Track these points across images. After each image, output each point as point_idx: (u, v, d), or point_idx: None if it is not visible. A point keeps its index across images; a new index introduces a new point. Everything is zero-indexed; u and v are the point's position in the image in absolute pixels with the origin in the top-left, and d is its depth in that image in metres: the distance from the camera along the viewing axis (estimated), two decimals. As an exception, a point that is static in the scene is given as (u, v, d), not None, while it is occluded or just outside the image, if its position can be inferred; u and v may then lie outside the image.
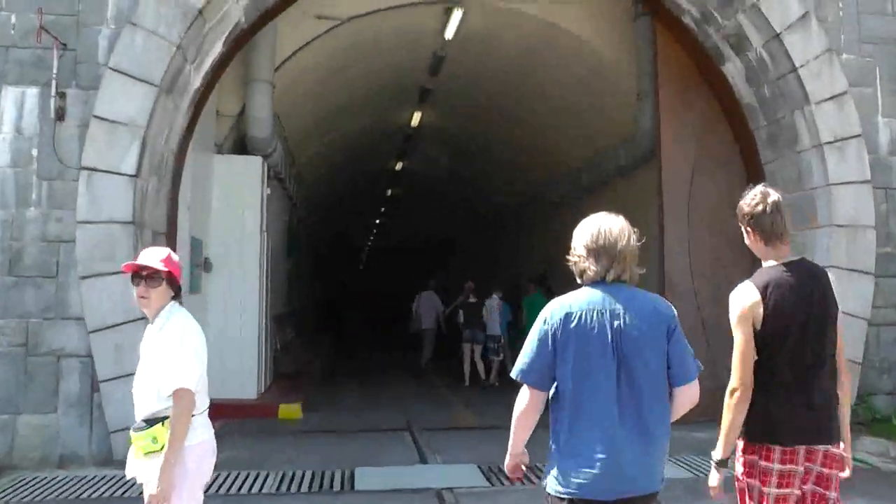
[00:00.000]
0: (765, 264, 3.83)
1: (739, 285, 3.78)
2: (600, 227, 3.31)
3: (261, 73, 11.77)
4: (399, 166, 28.20)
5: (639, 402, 3.14)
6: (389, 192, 34.61)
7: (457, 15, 13.01)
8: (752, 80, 10.42)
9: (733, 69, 10.63)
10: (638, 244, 3.34)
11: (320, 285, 35.57)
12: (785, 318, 3.65)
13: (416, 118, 20.72)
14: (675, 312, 3.32)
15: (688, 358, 3.26)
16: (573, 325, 3.19)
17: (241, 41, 10.07)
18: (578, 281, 3.35)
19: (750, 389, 3.62)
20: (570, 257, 3.35)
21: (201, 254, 10.94)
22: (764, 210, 3.72)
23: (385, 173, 29.68)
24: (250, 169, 12.06)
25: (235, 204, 11.86)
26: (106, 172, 8.22)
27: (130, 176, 8.25)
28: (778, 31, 9.65)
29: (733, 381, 3.63)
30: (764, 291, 3.66)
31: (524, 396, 3.26)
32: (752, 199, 3.78)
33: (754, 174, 10.78)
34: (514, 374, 3.29)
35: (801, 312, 3.67)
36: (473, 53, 15.40)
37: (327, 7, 12.38)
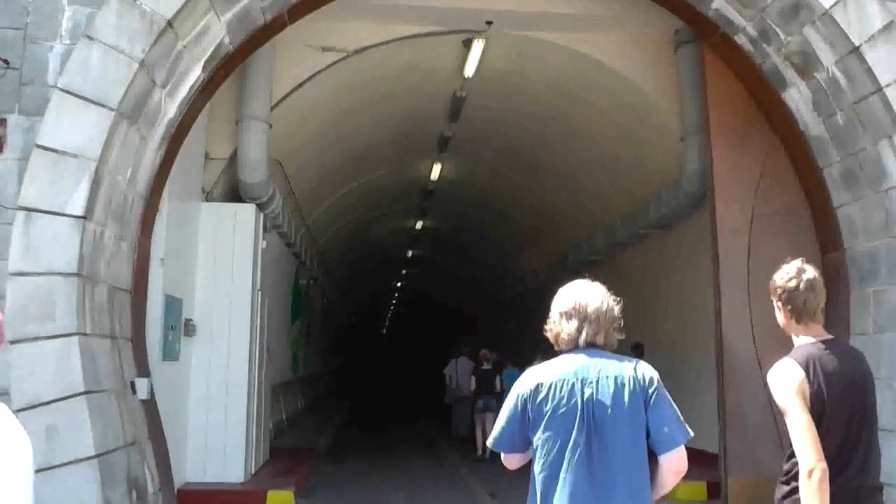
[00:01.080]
0: (798, 342, 3.75)
1: (779, 363, 3.66)
2: (573, 290, 3.34)
3: (254, 110, 10.40)
4: (419, 225, 26.82)
5: (613, 473, 3.09)
6: (410, 252, 33.22)
7: (477, 47, 11.61)
8: (822, 107, 8.85)
9: (797, 96, 9.08)
10: (617, 306, 3.32)
11: (337, 352, 33.96)
12: (830, 398, 3.58)
13: (436, 171, 19.36)
14: (656, 376, 3.25)
15: (672, 423, 3.17)
16: (543, 395, 3.17)
17: (228, 67, 8.68)
18: (556, 348, 3.32)
19: (826, 465, 3.43)
20: (546, 325, 3.35)
21: (179, 315, 9.42)
22: (797, 287, 3.72)
23: (405, 232, 28.29)
24: (242, 218, 10.60)
25: (224, 258, 10.38)
26: (47, 213, 6.74)
27: (77, 217, 6.76)
28: (857, 45, 8.11)
29: (809, 462, 3.44)
30: (807, 368, 3.58)
31: (505, 461, 3.42)
32: (785, 273, 3.77)
33: (825, 221, 9.24)
34: (488, 442, 3.44)
35: (845, 393, 3.61)
36: (497, 94, 14.03)
37: (331, 37, 11.05)
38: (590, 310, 3.24)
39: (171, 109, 7.91)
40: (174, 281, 9.18)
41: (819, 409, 3.54)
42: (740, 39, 9.24)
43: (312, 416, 20.81)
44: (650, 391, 3.17)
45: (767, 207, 9.63)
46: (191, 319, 9.93)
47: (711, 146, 9.91)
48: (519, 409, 3.21)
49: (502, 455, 3.36)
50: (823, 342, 3.72)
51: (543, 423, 3.15)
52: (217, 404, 10.03)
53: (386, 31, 11.24)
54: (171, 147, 8.23)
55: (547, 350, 11.34)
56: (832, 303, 9.54)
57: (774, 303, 3.83)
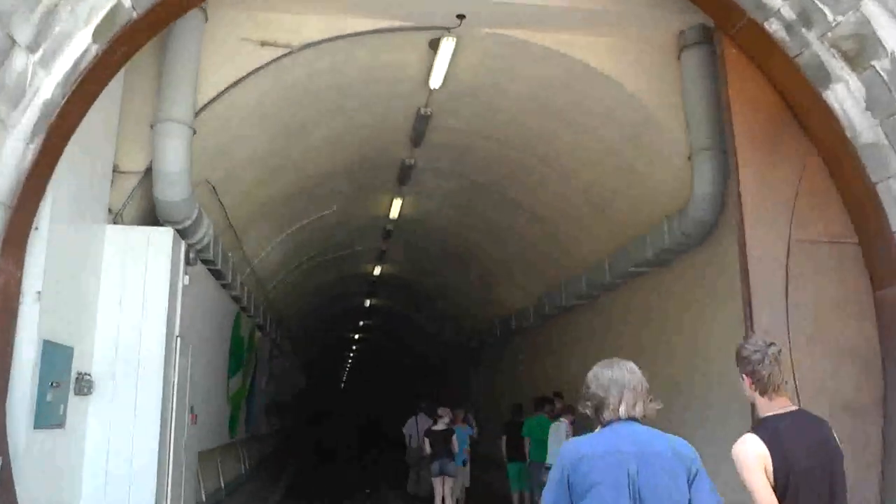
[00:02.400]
0: (762, 415, 3.90)
1: (742, 438, 3.80)
2: (607, 368, 3.55)
3: (174, 110, 8.41)
4: (378, 271, 24.84)
5: None
6: (368, 302, 31.17)
7: (446, 48, 9.77)
8: (879, 105, 7.08)
9: (843, 93, 7.32)
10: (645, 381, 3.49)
11: (289, 409, 31.55)
12: (795, 471, 3.66)
13: (396, 207, 17.46)
14: (697, 454, 3.33)
15: (712, 499, 3.22)
16: (587, 467, 3.21)
17: (132, 42, 6.74)
18: (595, 424, 3.44)
19: None
20: (583, 403, 3.54)
21: (68, 367, 7.31)
22: (762, 360, 3.85)
23: (363, 278, 26.25)
24: (157, 245, 8.55)
25: (133, 296, 8.32)
26: None
27: None
28: (937, 18, 6.41)
29: None
30: (770, 443, 3.69)
31: None
32: (752, 346, 3.93)
33: (879, 249, 7.50)
34: None
35: (811, 464, 3.70)
36: (466, 111, 12.21)
37: (273, 30, 9.17)
38: (626, 385, 3.41)
39: (46, 87, 5.95)
40: (60, 323, 7.09)
41: (783, 483, 3.65)
42: (772, 26, 7.53)
43: (257, 481, 18.50)
44: (693, 467, 3.25)
45: (806, 233, 7.85)
46: (86, 374, 7.82)
47: (737, 161, 8.11)
48: (563, 480, 3.27)
49: None
50: (788, 414, 3.84)
51: (588, 495, 3.18)
52: (118, 482, 7.88)
53: (338, 26, 9.39)
54: (51, 142, 6.25)
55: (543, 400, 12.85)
56: (886, 348, 7.82)
57: (739, 373, 3.96)
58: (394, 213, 17.89)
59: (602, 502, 3.15)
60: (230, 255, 13.06)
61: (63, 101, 6.15)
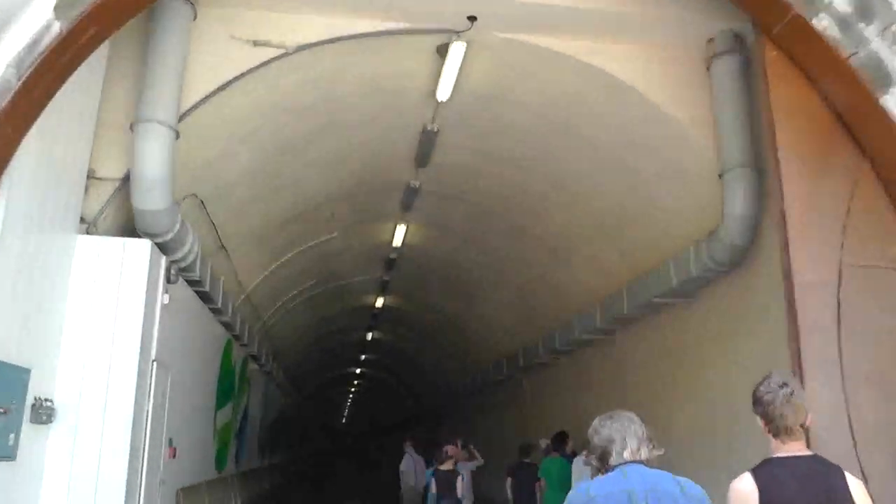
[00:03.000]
0: (770, 456, 3.83)
1: (740, 476, 3.79)
2: (609, 418, 3.67)
3: (155, 110, 7.59)
4: (380, 303, 23.95)
5: None
6: (369, 335, 30.25)
7: (456, 54, 9.00)
8: (948, 113, 6.33)
9: (905, 99, 6.57)
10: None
11: (286, 444, 30.50)
12: None
13: (400, 235, 16.66)
14: (706, 495, 3.43)
15: None
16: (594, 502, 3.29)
17: (103, 22, 5.98)
18: (602, 470, 3.51)
19: None
20: (589, 455, 3.68)
21: (22, 392, 6.43)
22: (772, 401, 3.80)
23: (364, 311, 25.37)
24: (133, 258, 7.69)
25: (103, 314, 7.45)
26: None
27: None
28: None
29: None
30: (762, 484, 3.67)
31: None
32: (765, 387, 3.86)
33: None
34: None
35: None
36: (476, 127, 11.43)
37: (267, 29, 8.42)
38: (628, 431, 3.55)
39: (-3, 66, 5.15)
40: (11, 341, 6.23)
41: None
42: (822, 22, 6.76)
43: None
44: None
45: (859, 256, 7.01)
46: (47, 400, 6.93)
47: (780, 177, 7.33)
48: None
49: None
50: (795, 458, 3.78)
51: None
52: (77, 521, 6.98)
53: (337, 28, 8.63)
54: (6, 130, 5.44)
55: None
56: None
57: (755, 414, 3.92)
58: (397, 240, 17.09)
59: None
60: (221, 278, 12.22)
61: (18, 84, 5.36)
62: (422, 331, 26.71)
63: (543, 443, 14.08)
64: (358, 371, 43.90)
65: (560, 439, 13.83)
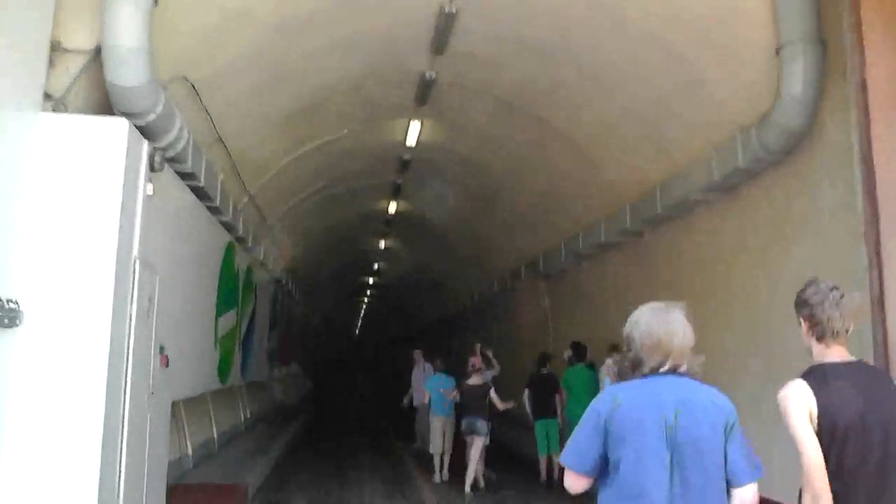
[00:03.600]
0: (815, 362, 3.70)
1: (788, 383, 3.64)
2: (654, 315, 3.29)
3: (128, -33, 6.50)
4: (393, 208, 22.93)
5: (692, 501, 3.00)
6: (382, 243, 29.41)
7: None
8: None
9: None
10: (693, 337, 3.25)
11: (299, 356, 29.99)
12: (840, 422, 3.45)
13: (414, 132, 15.55)
14: (734, 408, 3.22)
15: (747, 458, 3.14)
16: (625, 417, 3.11)
17: None
18: (631, 374, 3.27)
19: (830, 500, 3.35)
20: (623, 350, 3.36)
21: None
22: (821, 302, 3.64)
23: (377, 217, 24.45)
24: (106, 140, 6.69)
25: (74, 204, 6.51)
26: None
27: None
28: None
29: (809, 495, 3.39)
30: (817, 391, 3.52)
31: (567, 477, 3.34)
32: (812, 289, 3.72)
33: None
34: (560, 457, 3.38)
35: (860, 416, 3.45)
36: (502, 6, 10.26)
37: None
38: (674, 339, 3.22)
39: None
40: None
41: (829, 435, 3.45)
42: None
43: (257, 433, 16.90)
44: (730, 420, 3.13)
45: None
46: (10, 301, 6.06)
47: (861, 46, 6.21)
48: (598, 427, 3.16)
49: (567, 473, 3.29)
50: (844, 364, 3.63)
51: (622, 446, 3.08)
52: (50, 438, 6.16)
53: None
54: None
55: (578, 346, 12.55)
56: None
57: (797, 317, 3.75)
58: (411, 139, 15.98)
59: (638, 453, 3.05)
60: (220, 175, 11.27)
61: None
62: (437, 238, 25.79)
63: (566, 354, 13.28)
64: (371, 281, 43.26)
65: (580, 349, 13.07)
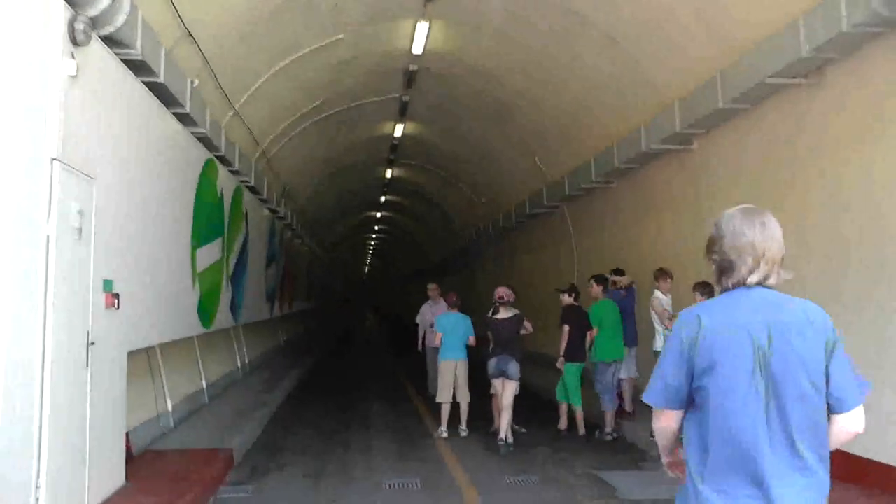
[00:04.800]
0: None
1: None
2: (746, 220, 2.83)
3: None
4: (399, 130, 20.88)
5: (790, 431, 2.65)
6: (389, 172, 27.42)
7: None
8: None
9: None
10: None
11: (304, 294, 28.32)
12: None
13: (421, 36, 13.54)
14: (833, 323, 2.76)
15: (851, 378, 2.74)
16: (710, 340, 2.72)
17: None
18: (716, 285, 2.89)
19: None
20: (708, 255, 2.91)
21: None
22: None
23: (382, 141, 22.44)
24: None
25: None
26: None
27: None
28: None
29: None
30: None
31: (657, 419, 2.93)
32: None
33: None
34: (644, 396, 2.91)
35: None
36: None
37: None
38: (768, 241, 2.80)
39: None
40: None
41: None
42: None
43: (255, 381, 15.26)
44: (831, 338, 2.73)
45: None
46: None
47: None
48: (682, 355, 2.77)
49: (658, 415, 2.90)
50: None
51: (709, 375, 2.71)
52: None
53: None
54: None
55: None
56: None
57: None
58: (417, 46, 13.99)
59: (729, 381, 2.66)
60: (190, 79, 9.37)
61: None
62: (448, 164, 23.83)
63: (596, 284, 11.40)
64: (379, 216, 41.39)
65: (607, 281, 11.32)
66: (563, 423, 10.84)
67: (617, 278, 11.48)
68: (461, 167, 23.36)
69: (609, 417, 10.51)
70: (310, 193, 24.51)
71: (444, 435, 10.48)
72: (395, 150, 23.29)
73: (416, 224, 39.35)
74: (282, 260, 20.69)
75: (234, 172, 12.94)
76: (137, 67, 7.36)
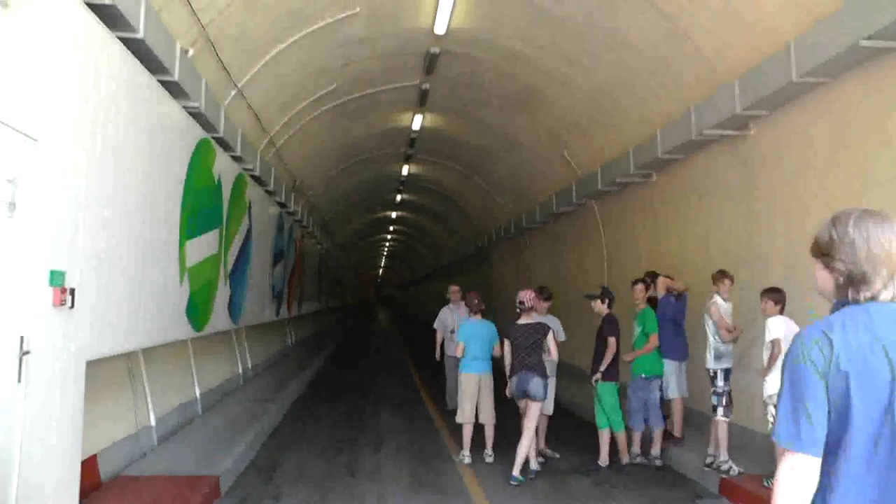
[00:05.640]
0: None
1: None
2: (878, 228, 2.41)
3: None
4: (417, 123, 19.56)
5: None
6: (406, 169, 26.12)
7: None
8: None
9: None
10: None
11: (314, 296, 27.08)
12: None
13: (444, 15, 12.27)
14: None
15: None
16: (844, 367, 2.26)
17: None
18: (833, 299, 2.47)
19: None
20: (825, 259, 2.46)
21: None
22: None
23: (399, 134, 21.14)
24: None
25: None
26: None
27: None
28: None
29: None
30: None
31: (793, 469, 2.29)
32: None
33: None
34: (779, 439, 2.32)
35: None
36: None
37: None
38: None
39: None
40: None
41: None
42: None
43: (257, 388, 14.02)
44: None
45: None
46: None
47: None
48: (818, 384, 2.28)
49: (796, 460, 2.28)
50: None
51: (843, 404, 2.26)
52: None
53: None
54: None
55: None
56: None
57: None
58: (440, 24, 12.70)
59: (858, 412, 2.20)
60: (186, 47, 8.14)
61: None
62: (468, 158, 22.52)
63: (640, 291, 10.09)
64: (394, 216, 40.11)
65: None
66: (604, 457, 9.24)
67: (672, 283, 10.10)
68: (482, 162, 22.05)
69: (638, 439, 9.38)
70: (321, 190, 23.28)
71: (468, 460, 9.17)
72: (413, 145, 22.00)
73: (433, 223, 38.07)
74: (291, 258, 19.43)
75: (235, 159, 11.70)
76: (109, 17, 6.12)
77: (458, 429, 9.81)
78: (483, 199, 25.50)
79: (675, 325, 9.79)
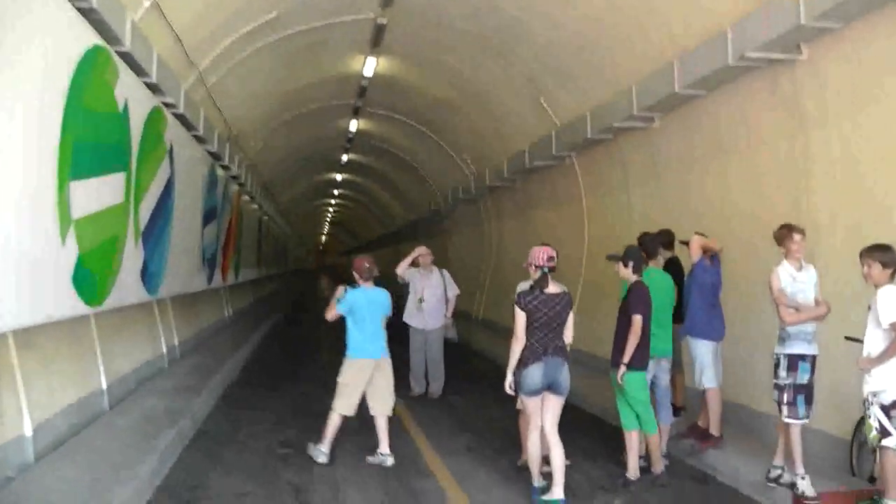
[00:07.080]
0: None
1: None
2: None
3: None
4: (369, 69, 17.19)
5: None
6: (354, 125, 23.68)
7: None
8: None
9: None
10: None
11: (255, 260, 24.69)
12: None
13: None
14: None
15: None
16: None
17: None
18: None
19: None
20: None
21: None
22: None
23: (345, 81, 18.75)
24: None
25: None
26: None
27: None
28: None
29: None
30: None
31: None
32: None
33: None
34: None
35: None
36: None
37: None
38: None
39: None
40: None
41: None
42: None
43: (182, 373, 11.72)
44: None
45: None
46: None
47: None
48: None
49: None
50: None
51: None
52: None
53: None
54: None
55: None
56: None
57: None
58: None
59: None
60: None
61: None
62: (430, 113, 20.20)
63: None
64: (340, 178, 37.63)
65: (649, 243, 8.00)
66: (632, 469, 6.90)
67: (709, 242, 7.91)
68: (443, 117, 19.78)
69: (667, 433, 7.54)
70: (261, 146, 20.81)
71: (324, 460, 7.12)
72: (364, 94, 19.54)
73: (382, 189, 35.72)
74: (227, 218, 17.01)
75: (151, 87, 9.29)
76: None
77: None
78: (442, 161, 23.17)
79: (712, 295, 7.73)
